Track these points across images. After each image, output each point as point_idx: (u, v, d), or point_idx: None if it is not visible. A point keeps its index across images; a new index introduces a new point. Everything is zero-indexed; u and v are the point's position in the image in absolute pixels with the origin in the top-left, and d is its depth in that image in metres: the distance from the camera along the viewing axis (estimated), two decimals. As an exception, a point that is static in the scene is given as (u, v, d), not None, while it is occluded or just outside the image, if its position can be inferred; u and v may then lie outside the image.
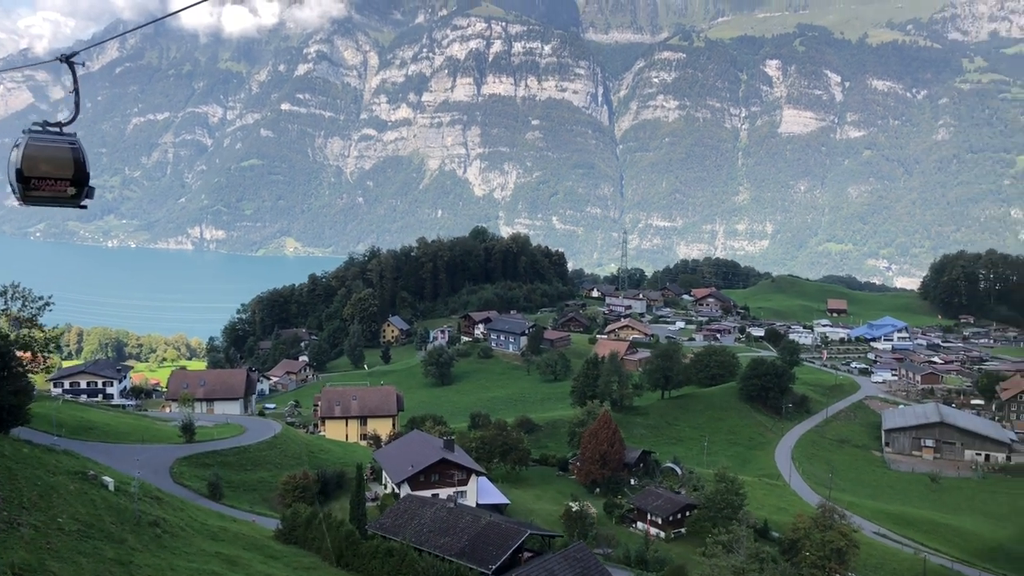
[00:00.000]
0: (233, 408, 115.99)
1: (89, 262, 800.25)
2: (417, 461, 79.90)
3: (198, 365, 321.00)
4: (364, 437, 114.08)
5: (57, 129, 15.06)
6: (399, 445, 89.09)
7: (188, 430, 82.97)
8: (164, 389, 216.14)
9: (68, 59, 15.59)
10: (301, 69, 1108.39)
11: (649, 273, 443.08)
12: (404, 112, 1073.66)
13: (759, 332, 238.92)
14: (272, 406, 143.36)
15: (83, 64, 16.23)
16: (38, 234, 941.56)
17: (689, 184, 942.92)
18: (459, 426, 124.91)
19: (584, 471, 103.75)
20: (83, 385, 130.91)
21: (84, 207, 15.23)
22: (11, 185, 14.77)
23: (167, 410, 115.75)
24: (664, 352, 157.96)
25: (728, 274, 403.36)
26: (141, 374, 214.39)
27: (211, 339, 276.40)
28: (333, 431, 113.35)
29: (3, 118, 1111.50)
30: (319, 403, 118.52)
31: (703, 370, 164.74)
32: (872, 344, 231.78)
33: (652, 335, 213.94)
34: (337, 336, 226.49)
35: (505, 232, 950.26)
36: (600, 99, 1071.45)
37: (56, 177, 14.68)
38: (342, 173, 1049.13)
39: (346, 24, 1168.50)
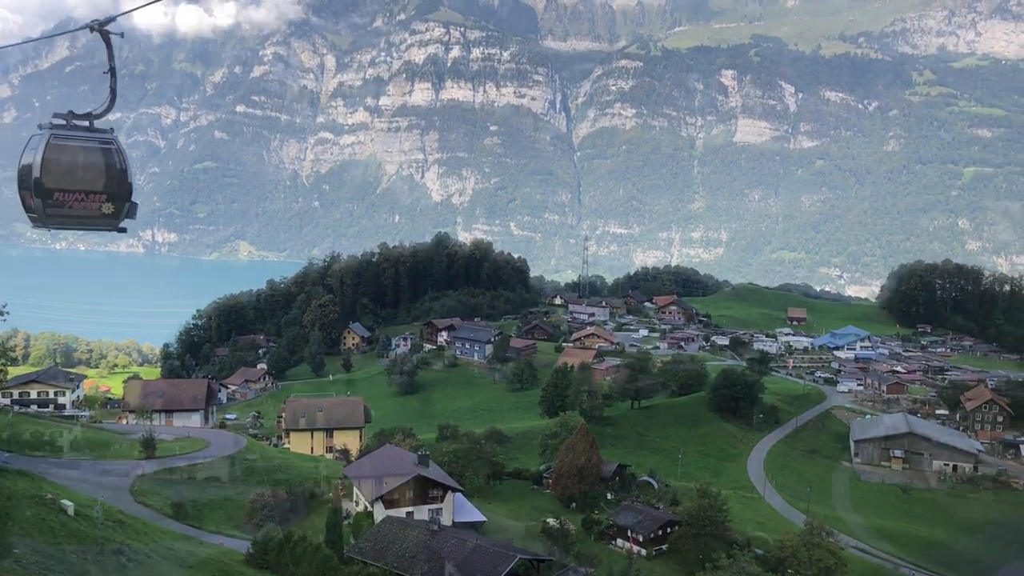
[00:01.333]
0: (193, 420, 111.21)
1: (36, 265, 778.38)
2: (391, 478, 76.46)
3: (151, 372, 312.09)
4: (331, 450, 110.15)
5: (87, 123, 11.79)
6: (371, 460, 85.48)
7: (148, 445, 78.51)
8: (116, 397, 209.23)
9: (102, 27, 11.90)
10: (257, 71, 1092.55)
11: (609, 280, 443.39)
12: (361, 116, 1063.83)
13: (724, 341, 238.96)
14: (233, 416, 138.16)
15: (121, 35, 12.36)
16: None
17: (646, 192, 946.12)
18: (427, 437, 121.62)
19: (560, 485, 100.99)
20: (33, 395, 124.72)
21: (123, 230, 11.73)
22: (23, 202, 11.23)
23: (124, 422, 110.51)
24: (634, 362, 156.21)
25: (688, 282, 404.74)
26: (92, 380, 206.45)
27: (165, 345, 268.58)
28: (298, 444, 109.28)
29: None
30: (283, 414, 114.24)
31: (672, 380, 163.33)
32: (835, 353, 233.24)
33: (617, 343, 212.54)
34: (297, 343, 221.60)
35: (464, 238, 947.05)
36: (558, 106, 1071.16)
37: (87, 190, 11.16)
38: (298, 177, 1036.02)
39: (303, 26, 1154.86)
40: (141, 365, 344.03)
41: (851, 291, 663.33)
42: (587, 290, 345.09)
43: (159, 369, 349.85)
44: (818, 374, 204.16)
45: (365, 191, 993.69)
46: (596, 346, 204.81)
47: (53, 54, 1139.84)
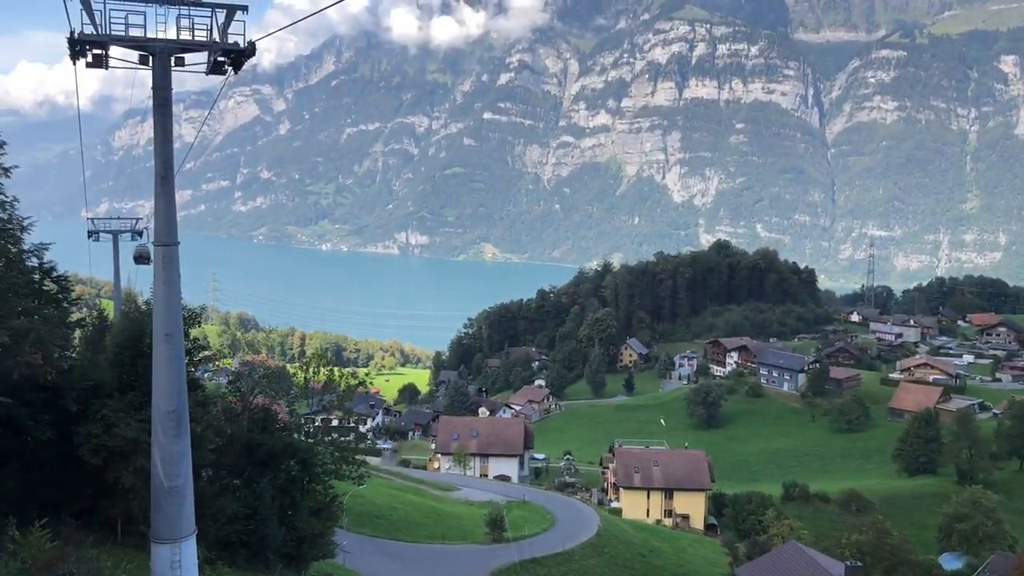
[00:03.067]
0: (510, 466, 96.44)
1: (305, 265, 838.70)
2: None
3: (417, 376, 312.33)
4: (669, 515, 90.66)
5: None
6: (771, 567, 64.13)
7: (497, 526, 62.59)
8: (384, 399, 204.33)
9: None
10: (503, 78, 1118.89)
11: (898, 291, 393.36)
12: (603, 118, 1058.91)
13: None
14: (542, 457, 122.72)
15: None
16: (260, 237, 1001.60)
17: (909, 191, 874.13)
18: (740, 488, 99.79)
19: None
20: (335, 423, 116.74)
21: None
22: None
23: (436, 466, 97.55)
24: (1019, 407, 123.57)
25: (997, 294, 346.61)
26: (377, 388, 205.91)
27: (437, 354, 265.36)
28: (631, 506, 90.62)
29: (232, 129, 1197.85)
30: (610, 464, 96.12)
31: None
32: None
33: (956, 375, 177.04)
34: (573, 359, 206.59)
35: (706, 240, 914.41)
36: (810, 101, 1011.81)
37: None
38: (540, 180, 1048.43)
39: (548, 32, 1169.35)
40: (403, 365, 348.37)
41: None
42: (872, 303, 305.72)
43: (426, 372, 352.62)
44: None
45: (605, 193, 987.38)
46: (931, 378, 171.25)
47: (321, 70, 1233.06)
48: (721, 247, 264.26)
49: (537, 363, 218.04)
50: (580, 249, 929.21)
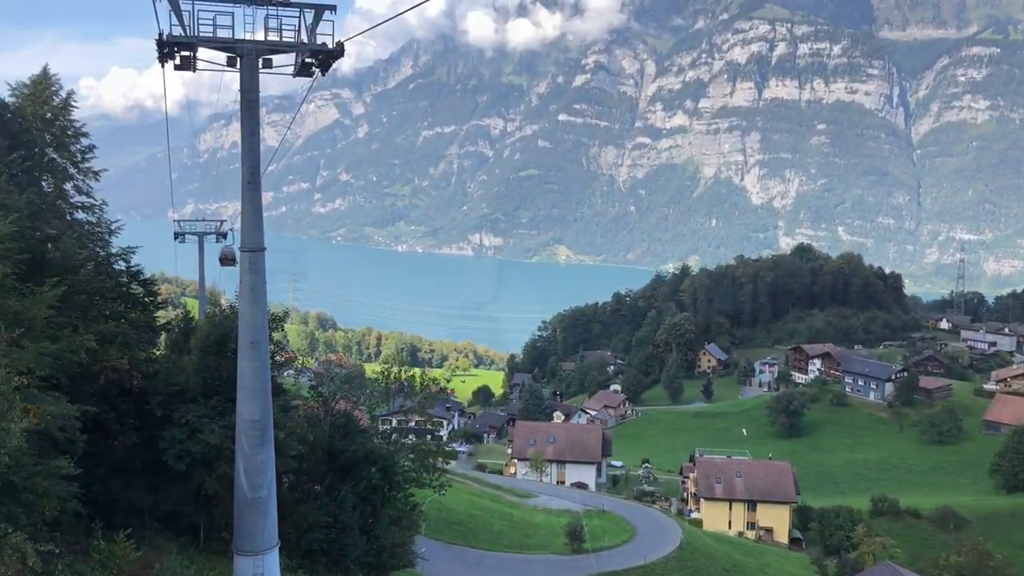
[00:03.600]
0: (588, 474, 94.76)
1: (382, 266, 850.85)
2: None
3: (492, 377, 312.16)
4: (752, 528, 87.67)
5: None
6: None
7: (576, 536, 61.15)
8: (458, 400, 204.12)
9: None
10: (579, 80, 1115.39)
11: (990, 298, 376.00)
12: (679, 119, 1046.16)
13: None
14: (619, 464, 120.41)
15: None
16: (339, 238, 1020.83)
17: (1002, 193, 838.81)
18: (828, 501, 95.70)
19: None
20: (412, 425, 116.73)
21: None
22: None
23: (512, 471, 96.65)
24: None
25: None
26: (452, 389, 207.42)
27: (512, 357, 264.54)
28: (712, 517, 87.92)
29: (313, 133, 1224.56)
30: (690, 474, 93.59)
31: None
32: None
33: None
34: (650, 364, 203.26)
35: (785, 243, 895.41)
36: (895, 101, 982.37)
37: None
38: (615, 182, 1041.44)
39: (624, 33, 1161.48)
40: (477, 367, 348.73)
41: None
42: (962, 309, 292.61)
43: (499, 374, 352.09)
44: None
45: (681, 195, 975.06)
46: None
47: (399, 73, 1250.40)
48: (803, 251, 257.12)
49: (612, 367, 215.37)
50: (655, 252, 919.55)
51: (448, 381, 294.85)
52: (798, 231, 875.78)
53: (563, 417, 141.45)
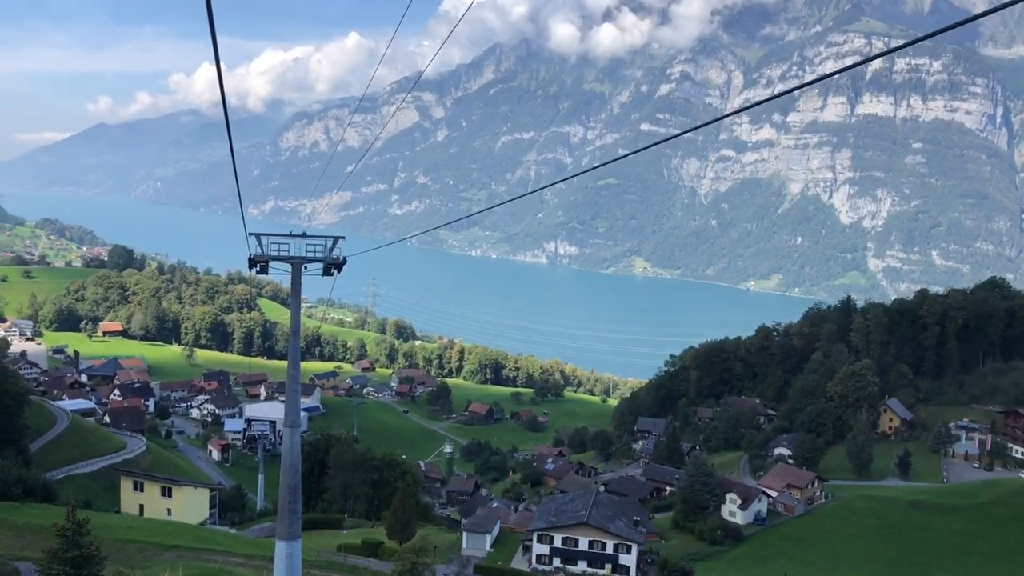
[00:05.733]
0: None
1: (458, 271, 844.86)
2: None
3: (586, 405, 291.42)
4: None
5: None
6: None
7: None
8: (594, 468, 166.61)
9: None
10: (663, 89, 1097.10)
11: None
12: (766, 133, 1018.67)
13: None
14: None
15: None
16: (414, 241, 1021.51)
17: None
18: None
19: None
20: (583, 545, 79.50)
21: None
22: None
23: None
24: None
25: None
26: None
27: (629, 396, 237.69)
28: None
29: (394, 134, 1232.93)
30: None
31: None
32: None
33: None
34: (822, 421, 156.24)
35: (875, 265, 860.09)
36: (998, 121, 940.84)
37: None
38: (696, 195, 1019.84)
39: (712, 43, 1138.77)
40: (565, 387, 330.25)
41: None
42: None
43: (587, 397, 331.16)
44: None
45: (766, 211, 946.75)
46: None
47: (481, 78, 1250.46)
48: (995, 285, 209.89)
49: (764, 419, 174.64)
50: (736, 268, 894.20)
51: (543, 410, 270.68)
52: (888, 253, 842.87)
53: (740, 500, 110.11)
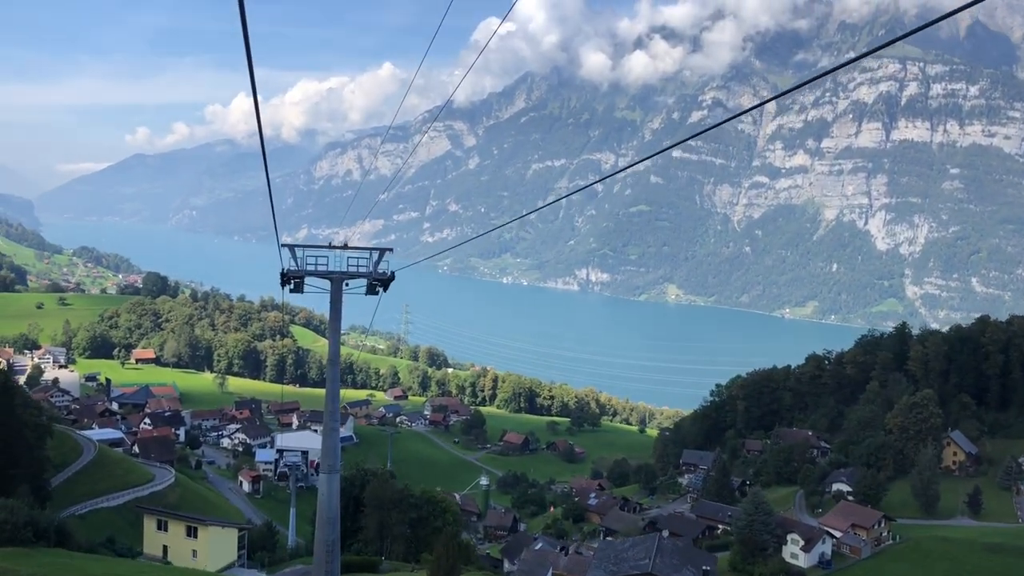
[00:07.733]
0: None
1: (490, 298, 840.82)
2: None
3: (625, 437, 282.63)
4: None
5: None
6: None
7: None
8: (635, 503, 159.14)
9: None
10: (695, 116, 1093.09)
11: None
12: (800, 159, 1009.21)
13: None
14: None
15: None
16: (445, 268, 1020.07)
17: None
18: None
19: None
20: None
21: None
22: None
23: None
24: None
25: None
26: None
27: (669, 430, 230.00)
28: None
29: (425, 163, 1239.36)
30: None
31: None
32: None
33: None
34: (881, 455, 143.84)
35: (912, 293, 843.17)
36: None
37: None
38: (729, 221, 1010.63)
39: (743, 69, 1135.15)
40: (600, 415, 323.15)
41: None
42: None
43: (624, 426, 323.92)
44: None
45: (800, 237, 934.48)
46: None
47: (512, 106, 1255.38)
48: None
49: (816, 452, 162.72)
50: (771, 295, 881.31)
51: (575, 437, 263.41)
52: (926, 280, 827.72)
53: (803, 542, 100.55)
